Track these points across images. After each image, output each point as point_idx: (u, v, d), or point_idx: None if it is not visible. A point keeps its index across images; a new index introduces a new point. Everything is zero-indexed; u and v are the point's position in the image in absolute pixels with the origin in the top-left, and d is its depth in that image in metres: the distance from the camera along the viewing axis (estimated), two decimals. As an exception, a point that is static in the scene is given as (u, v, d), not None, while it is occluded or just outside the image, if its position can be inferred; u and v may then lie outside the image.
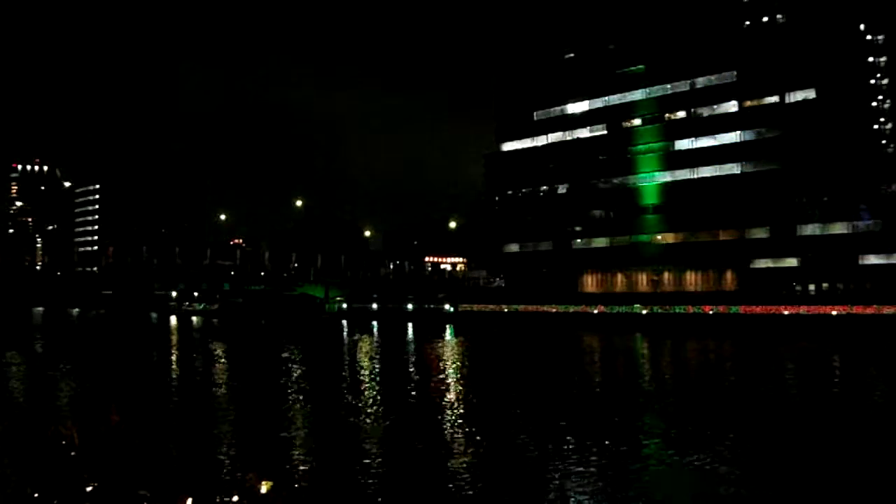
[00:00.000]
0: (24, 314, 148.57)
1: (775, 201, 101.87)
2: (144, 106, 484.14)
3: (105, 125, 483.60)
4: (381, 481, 25.52)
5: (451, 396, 44.95)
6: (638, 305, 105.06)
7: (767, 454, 29.08)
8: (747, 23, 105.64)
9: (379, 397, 44.36)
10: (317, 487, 24.57)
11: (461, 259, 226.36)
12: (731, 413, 38.83)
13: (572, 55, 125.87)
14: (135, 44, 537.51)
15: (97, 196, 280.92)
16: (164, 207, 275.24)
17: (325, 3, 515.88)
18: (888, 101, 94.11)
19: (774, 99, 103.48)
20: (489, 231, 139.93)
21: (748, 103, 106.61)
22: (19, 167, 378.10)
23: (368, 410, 39.63)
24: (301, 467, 27.14)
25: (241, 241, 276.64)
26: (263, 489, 16.93)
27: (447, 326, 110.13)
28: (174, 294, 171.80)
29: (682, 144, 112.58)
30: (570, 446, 30.18)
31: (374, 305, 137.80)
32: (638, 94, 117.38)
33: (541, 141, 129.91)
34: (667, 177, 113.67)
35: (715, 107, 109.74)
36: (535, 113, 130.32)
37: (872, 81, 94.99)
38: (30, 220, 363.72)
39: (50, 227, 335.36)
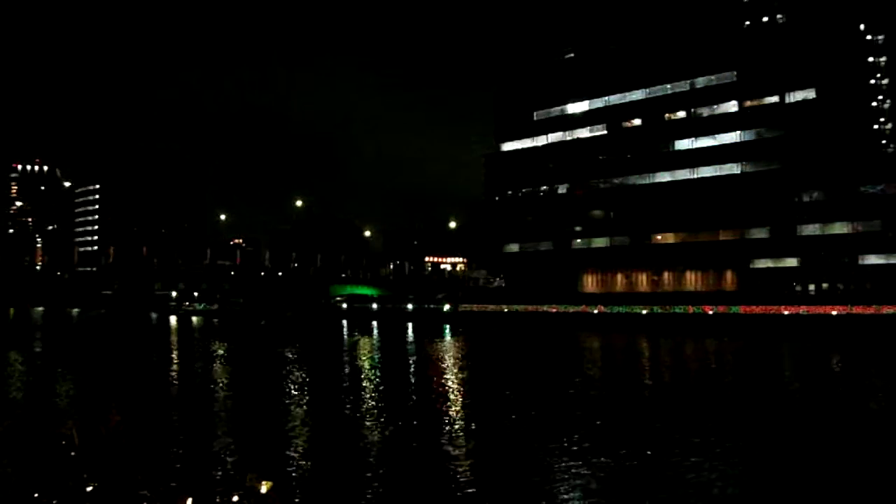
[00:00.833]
0: (24, 314, 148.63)
1: (775, 201, 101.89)
2: (145, 106, 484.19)
3: (105, 125, 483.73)
4: (381, 481, 25.52)
5: (450, 397, 44.95)
6: (638, 305, 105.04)
7: (768, 455, 29.08)
8: (747, 23, 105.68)
9: (378, 397, 44.36)
10: (317, 488, 24.57)
11: (461, 259, 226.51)
12: (731, 415, 38.80)
13: (572, 55, 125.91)
14: (135, 44, 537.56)
15: (97, 196, 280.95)
16: (164, 207, 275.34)
17: (326, 2, 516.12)
18: (888, 101, 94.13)
19: (774, 99, 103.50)
20: (489, 231, 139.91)
21: (748, 103, 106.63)
22: (19, 167, 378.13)
23: (368, 410, 39.63)
24: (301, 467, 27.13)
25: (241, 241, 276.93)
26: (263, 489, 16.93)
27: (447, 326, 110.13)
28: (174, 294, 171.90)
29: (682, 144, 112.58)
30: (568, 447, 30.16)
31: (374, 305, 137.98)
32: (638, 94, 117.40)
33: (541, 141, 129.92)
34: (667, 177, 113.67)
35: (715, 107, 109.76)
36: (535, 113, 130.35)
37: (872, 81, 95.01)
38: (30, 220, 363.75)
39: (50, 227, 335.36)
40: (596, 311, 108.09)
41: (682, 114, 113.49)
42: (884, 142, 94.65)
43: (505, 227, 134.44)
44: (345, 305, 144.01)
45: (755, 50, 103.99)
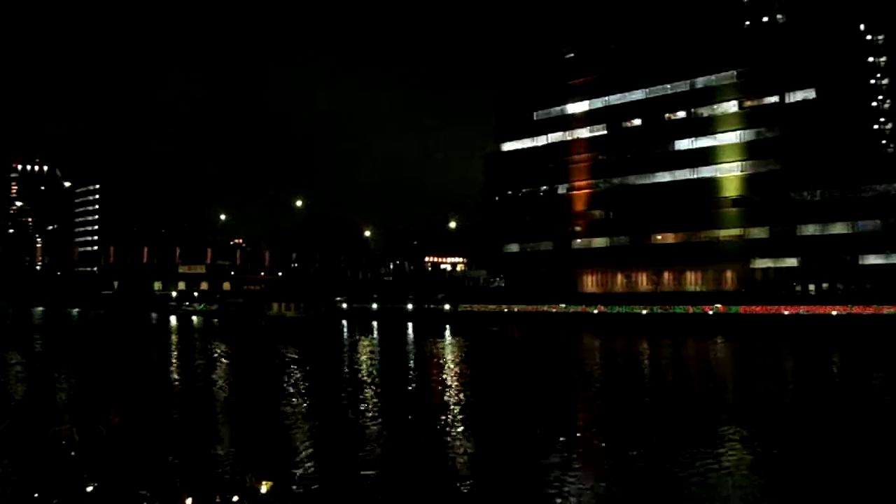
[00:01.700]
0: (24, 314, 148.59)
1: (775, 201, 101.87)
2: (144, 106, 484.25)
3: (105, 125, 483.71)
4: (381, 481, 25.51)
5: (450, 397, 44.93)
6: (638, 305, 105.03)
7: (769, 455, 29.08)
8: (747, 23, 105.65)
9: (379, 397, 44.35)
10: (317, 488, 24.56)
11: (461, 259, 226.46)
12: (731, 416, 38.80)
13: (572, 55, 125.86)
14: (135, 43, 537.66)
15: (97, 196, 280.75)
16: (164, 207, 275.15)
17: (326, 2, 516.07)
18: (888, 101, 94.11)
19: (774, 99, 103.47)
20: (489, 231, 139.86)
21: (748, 103, 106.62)
22: (19, 167, 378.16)
23: (368, 411, 39.61)
24: (301, 467, 27.12)
25: (241, 241, 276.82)
26: (263, 489, 16.94)
27: (447, 326, 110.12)
28: (174, 294, 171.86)
29: (682, 144, 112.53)
30: (568, 447, 30.15)
31: (374, 305, 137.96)
32: (638, 94, 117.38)
33: (541, 141, 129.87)
34: (667, 177, 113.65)
35: (715, 107, 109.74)
36: (535, 113, 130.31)
37: (872, 81, 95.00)
38: (30, 220, 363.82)
39: (50, 227, 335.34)
40: (596, 311, 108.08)
41: (682, 114, 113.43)
42: (884, 142, 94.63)
43: (505, 227, 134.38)
44: (345, 305, 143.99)
45: (755, 50, 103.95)
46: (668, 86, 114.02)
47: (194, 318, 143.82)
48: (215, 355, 72.36)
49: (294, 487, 23.72)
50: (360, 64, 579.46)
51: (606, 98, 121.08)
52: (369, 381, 53.03)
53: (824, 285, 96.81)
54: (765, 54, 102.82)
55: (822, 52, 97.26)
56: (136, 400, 41.21)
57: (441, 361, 65.53)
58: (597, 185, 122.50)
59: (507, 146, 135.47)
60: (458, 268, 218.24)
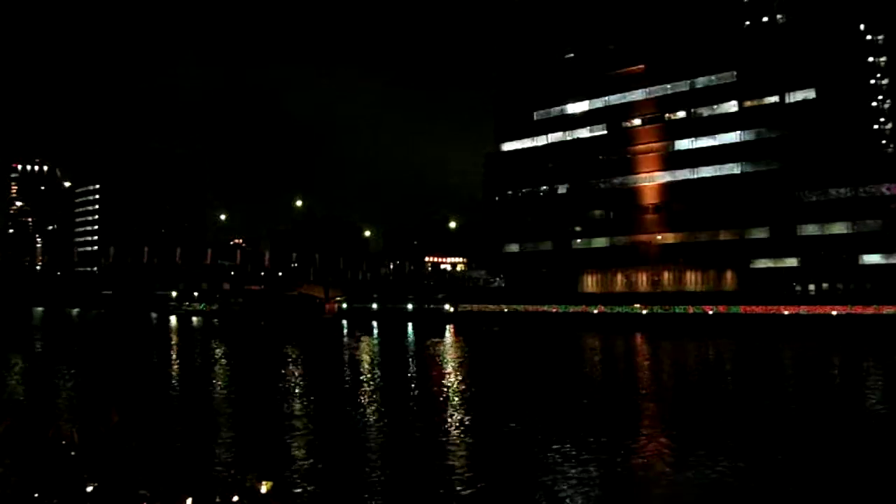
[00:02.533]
0: (24, 314, 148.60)
1: (775, 201, 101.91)
2: (145, 106, 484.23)
3: (105, 125, 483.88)
4: (381, 481, 25.51)
5: (451, 397, 44.92)
6: (638, 305, 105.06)
7: (769, 455, 29.07)
8: (747, 23, 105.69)
9: (379, 398, 44.34)
10: (317, 488, 24.56)
11: (461, 259, 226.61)
12: (732, 416, 38.78)
13: (572, 55, 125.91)
14: (134, 43, 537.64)
15: (97, 196, 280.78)
16: (164, 207, 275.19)
17: (326, 2, 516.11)
18: (888, 101, 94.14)
19: (774, 99, 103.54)
20: (489, 231, 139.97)
21: (748, 103, 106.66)
22: (19, 167, 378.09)
23: (368, 410, 39.61)
24: (301, 467, 27.12)
25: (241, 241, 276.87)
26: (263, 489, 16.92)
27: (447, 326, 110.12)
28: (174, 294, 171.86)
29: (682, 144, 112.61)
30: (569, 447, 30.14)
31: (374, 305, 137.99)
32: (638, 94, 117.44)
33: (541, 141, 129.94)
34: (667, 177, 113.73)
35: (715, 107, 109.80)
36: (535, 113, 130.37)
37: (872, 81, 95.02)
38: (30, 220, 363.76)
39: (50, 227, 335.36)
40: (596, 311, 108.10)
41: (682, 114, 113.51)
42: (884, 142, 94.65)
43: (505, 227, 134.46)
44: (345, 305, 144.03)
45: (755, 50, 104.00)
46: (668, 86, 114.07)
47: (194, 318, 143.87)
48: (215, 355, 72.36)
49: (294, 487, 23.73)
50: (360, 64, 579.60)
51: (606, 98, 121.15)
52: (369, 381, 53.02)
53: (824, 285, 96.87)
54: (765, 54, 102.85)
55: (822, 52, 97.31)
56: (136, 400, 41.20)
57: (441, 362, 65.52)
58: (597, 185, 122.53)
59: (507, 146, 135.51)
60: (458, 268, 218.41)
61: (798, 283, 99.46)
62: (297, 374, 56.76)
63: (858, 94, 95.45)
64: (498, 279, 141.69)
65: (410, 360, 68.05)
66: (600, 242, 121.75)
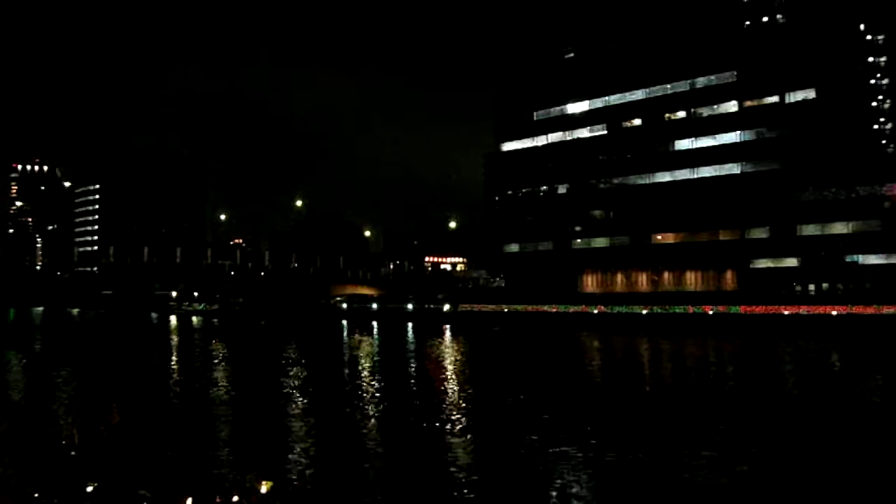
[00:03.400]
0: (24, 314, 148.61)
1: (775, 201, 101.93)
2: (144, 106, 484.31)
3: (105, 125, 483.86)
4: (381, 481, 25.51)
5: (451, 397, 44.93)
6: (638, 305, 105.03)
7: (770, 456, 29.09)
8: (747, 23, 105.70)
9: (379, 397, 44.35)
10: (317, 488, 24.56)
11: (461, 259, 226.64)
12: (732, 416, 38.78)
13: (572, 55, 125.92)
14: (134, 43, 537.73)
15: (97, 196, 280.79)
16: (164, 207, 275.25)
17: (326, 2, 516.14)
18: (888, 101, 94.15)
19: (774, 99, 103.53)
20: (489, 231, 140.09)
21: (748, 103, 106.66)
22: (19, 167, 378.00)
23: (369, 410, 39.62)
24: (301, 467, 27.13)
25: (241, 241, 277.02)
26: (263, 489, 16.94)
27: (447, 326, 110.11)
28: (174, 294, 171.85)
29: (682, 144, 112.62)
30: (569, 447, 30.15)
31: (374, 305, 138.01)
32: (638, 94, 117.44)
33: (541, 141, 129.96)
34: (667, 177, 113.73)
35: (715, 107, 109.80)
36: (535, 113, 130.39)
37: (872, 81, 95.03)
38: (30, 220, 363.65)
39: (50, 227, 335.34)
40: (596, 311, 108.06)
41: (682, 114, 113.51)
42: (884, 142, 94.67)
43: (505, 227, 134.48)
44: (345, 305, 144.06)
45: (755, 50, 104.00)
46: (668, 86, 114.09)
47: (194, 318, 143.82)
48: (215, 355, 72.36)
49: (294, 487, 23.73)
50: (361, 63, 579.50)
51: (606, 98, 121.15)
52: (369, 381, 53.02)
53: (824, 285, 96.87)
54: (765, 54, 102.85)
55: (822, 52, 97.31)
56: (137, 400, 41.20)
57: (441, 362, 65.53)
58: (597, 185, 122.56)
59: (507, 146, 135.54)
60: (458, 268, 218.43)
61: (798, 283, 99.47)
62: (297, 374, 56.74)
63: (858, 94, 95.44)
64: (498, 279, 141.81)
65: (410, 359, 68.05)
66: (600, 242, 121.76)
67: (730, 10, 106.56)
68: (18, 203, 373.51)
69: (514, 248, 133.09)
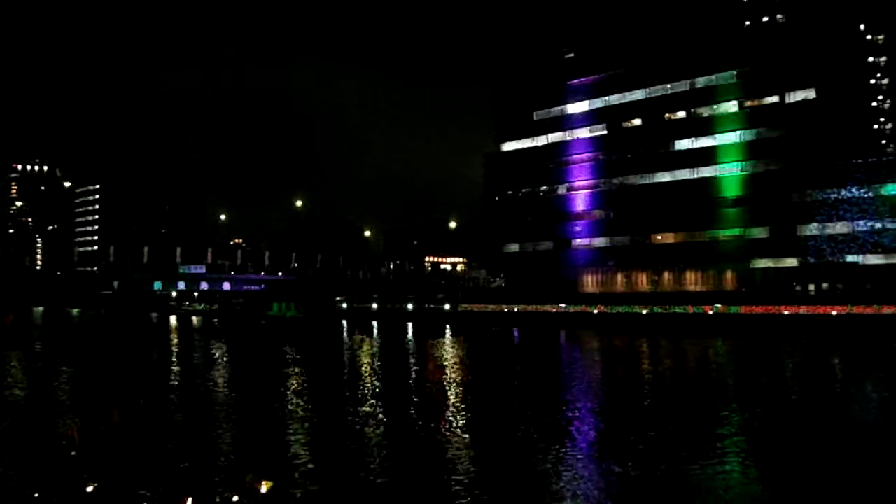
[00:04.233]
0: (24, 314, 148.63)
1: (775, 201, 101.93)
2: (144, 106, 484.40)
3: (105, 125, 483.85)
4: (381, 481, 25.51)
5: (451, 398, 44.93)
6: (638, 305, 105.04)
7: (771, 456, 29.09)
8: (747, 23, 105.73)
9: (379, 398, 44.34)
10: (317, 488, 24.55)
11: (461, 259, 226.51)
12: (733, 416, 38.78)
13: (572, 55, 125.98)
14: (134, 43, 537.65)
15: (97, 196, 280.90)
16: (164, 207, 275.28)
17: (326, 2, 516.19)
18: (888, 101, 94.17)
19: (774, 99, 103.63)
20: (489, 231, 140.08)
21: (748, 103, 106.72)
22: (19, 167, 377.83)
23: (369, 411, 39.61)
24: (301, 468, 27.12)
25: (241, 241, 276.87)
26: (263, 489, 16.93)
27: (447, 326, 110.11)
28: (174, 294, 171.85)
29: (682, 144, 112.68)
30: (569, 448, 30.16)
31: (374, 305, 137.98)
32: (638, 94, 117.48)
33: (541, 141, 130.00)
34: (667, 177, 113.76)
35: (715, 107, 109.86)
36: (535, 113, 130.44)
37: (872, 81, 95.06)
38: (30, 220, 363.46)
39: (50, 227, 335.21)
40: (596, 311, 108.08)
41: (682, 114, 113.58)
42: (884, 142, 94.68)
43: (505, 227, 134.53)
44: (345, 305, 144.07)
45: (755, 50, 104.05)
46: (668, 86, 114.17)
47: (194, 318, 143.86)
48: (215, 355, 72.36)
49: (294, 487, 23.72)
50: (360, 63, 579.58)
51: (606, 98, 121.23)
52: (369, 381, 53.03)
53: (824, 285, 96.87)
54: (765, 54, 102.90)
55: (822, 52, 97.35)
56: (137, 400, 41.19)
57: (441, 362, 65.52)
58: (597, 185, 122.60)
59: (507, 146, 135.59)
60: (458, 268, 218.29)
61: (798, 283, 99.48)
62: (297, 374, 56.73)
63: (858, 94, 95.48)
64: (498, 279, 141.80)
65: (410, 360, 68.05)
66: (600, 242, 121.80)
67: (730, 9, 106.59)
68: (18, 203, 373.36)
69: (514, 247, 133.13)
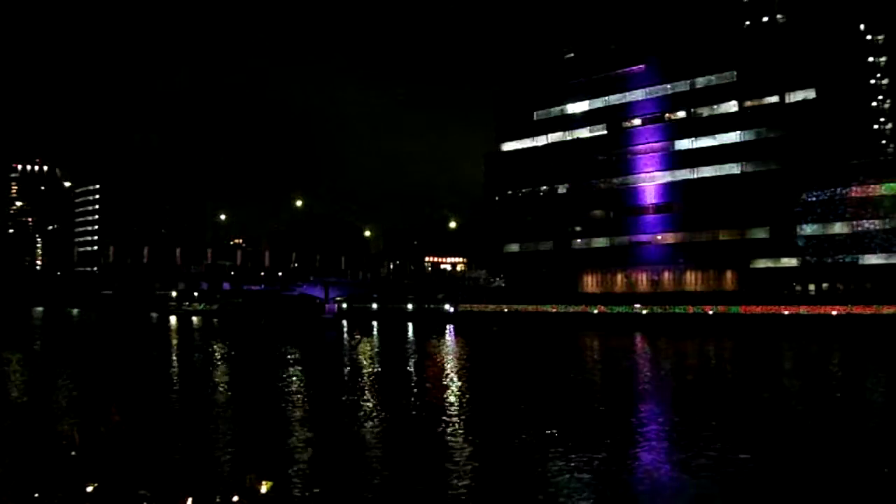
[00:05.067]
0: (24, 314, 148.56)
1: (775, 201, 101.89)
2: (144, 106, 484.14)
3: (105, 125, 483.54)
4: (381, 481, 25.51)
5: (452, 398, 44.92)
6: (638, 305, 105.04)
7: (771, 456, 29.09)
8: (747, 23, 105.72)
9: (379, 398, 44.33)
10: (317, 488, 24.55)
11: (461, 259, 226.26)
12: (732, 416, 38.78)
13: (572, 55, 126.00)
14: (134, 42, 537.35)
15: (97, 196, 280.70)
16: (164, 207, 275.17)
17: (326, 1, 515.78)
18: (888, 101, 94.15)
19: (774, 99, 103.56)
20: (489, 231, 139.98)
21: (748, 103, 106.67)
22: (19, 167, 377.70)
23: (368, 411, 39.60)
24: (301, 468, 27.12)
25: (241, 241, 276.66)
26: (263, 489, 16.94)
27: (447, 326, 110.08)
28: (174, 294, 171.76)
29: (682, 144, 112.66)
30: (570, 448, 30.15)
31: (374, 305, 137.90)
32: (638, 94, 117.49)
33: (541, 141, 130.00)
34: (667, 177, 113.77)
35: (715, 107, 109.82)
36: (535, 113, 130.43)
37: (872, 81, 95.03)
38: (30, 220, 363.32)
39: (50, 227, 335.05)
40: (596, 311, 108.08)
41: (682, 114, 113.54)
42: (884, 142, 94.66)
43: (505, 227, 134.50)
44: (345, 305, 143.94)
45: (755, 50, 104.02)
46: (668, 86, 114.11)
47: (194, 318, 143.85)
48: (215, 355, 72.34)
49: (294, 487, 23.73)
50: (361, 63, 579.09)
51: (606, 98, 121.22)
52: (369, 381, 53.01)
53: (824, 285, 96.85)
54: (765, 54, 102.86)
55: (822, 52, 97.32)
56: (137, 400, 41.18)
57: (441, 362, 65.51)
58: (597, 185, 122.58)
59: (507, 146, 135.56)
60: (458, 268, 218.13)
61: (798, 283, 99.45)
62: (297, 374, 56.73)
63: (858, 94, 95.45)
64: (498, 279, 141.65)
65: (410, 360, 68.03)
66: (600, 242, 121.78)
67: (730, 9, 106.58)
68: (18, 203, 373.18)
69: (514, 248, 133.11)
